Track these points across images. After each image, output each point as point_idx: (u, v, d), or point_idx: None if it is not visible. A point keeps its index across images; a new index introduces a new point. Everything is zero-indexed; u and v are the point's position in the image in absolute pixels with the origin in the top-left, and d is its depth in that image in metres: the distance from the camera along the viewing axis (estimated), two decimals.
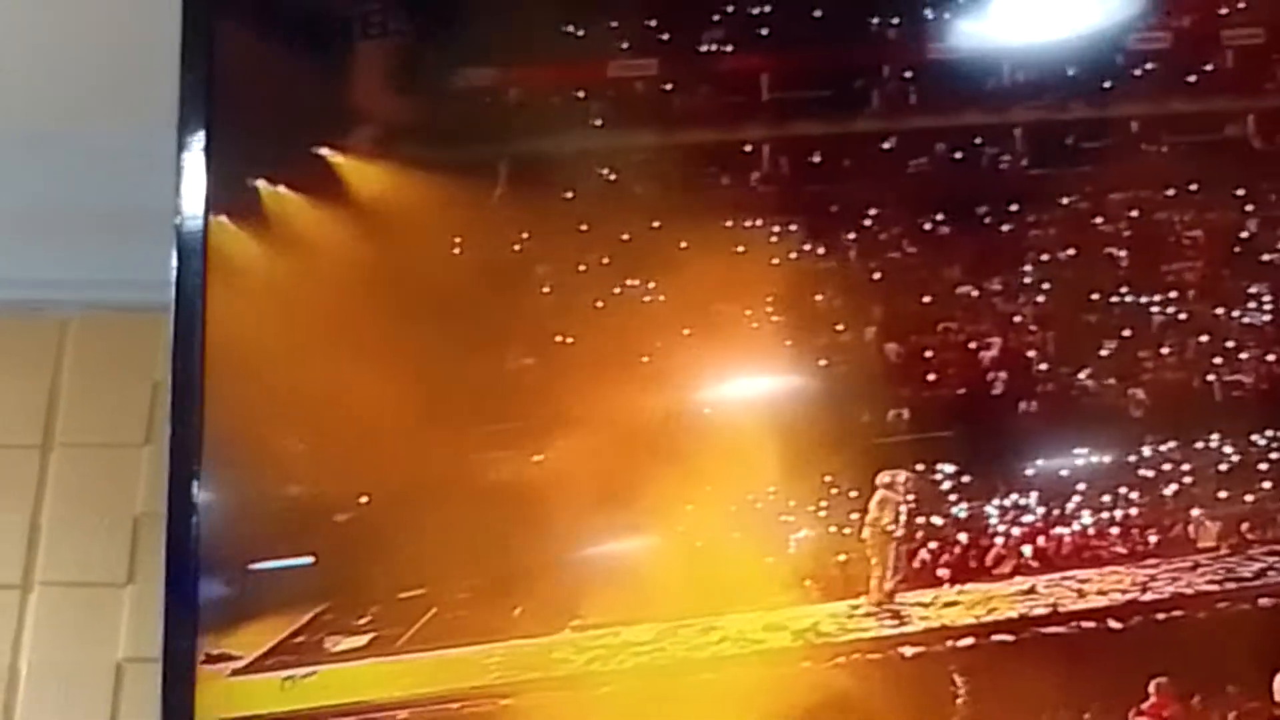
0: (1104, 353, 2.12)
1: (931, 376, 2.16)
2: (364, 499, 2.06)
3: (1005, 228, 2.19)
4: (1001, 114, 2.22)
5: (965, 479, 2.08)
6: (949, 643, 2.00)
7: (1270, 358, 2.07)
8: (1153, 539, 2.02)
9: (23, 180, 2.46)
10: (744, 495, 2.08)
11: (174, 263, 1.90)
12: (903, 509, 2.04)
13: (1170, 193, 2.15)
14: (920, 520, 2.05)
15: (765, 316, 2.18)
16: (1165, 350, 2.11)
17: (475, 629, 2.02)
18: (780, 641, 2.01)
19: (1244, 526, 2.01)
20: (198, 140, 1.95)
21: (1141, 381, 2.10)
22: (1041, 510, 2.05)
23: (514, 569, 2.03)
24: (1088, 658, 1.97)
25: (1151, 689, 1.92)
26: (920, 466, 2.09)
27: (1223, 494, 2.02)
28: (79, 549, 2.40)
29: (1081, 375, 2.12)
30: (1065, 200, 2.18)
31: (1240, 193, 2.13)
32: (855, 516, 2.08)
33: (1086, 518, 2.04)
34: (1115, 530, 2.03)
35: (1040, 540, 2.04)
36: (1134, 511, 2.03)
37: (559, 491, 2.05)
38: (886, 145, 2.23)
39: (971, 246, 2.19)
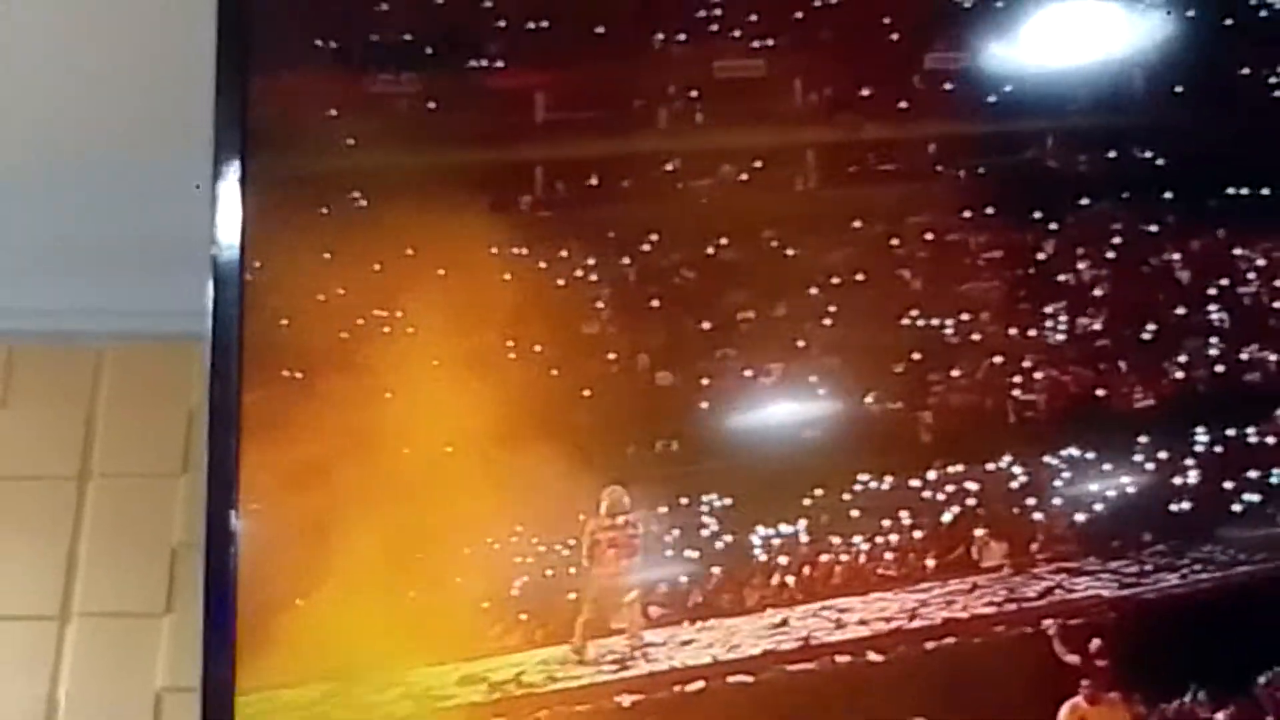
0: (891, 376, 1.93)
1: (705, 405, 1.96)
2: None
3: (791, 252, 2.02)
4: (792, 134, 2.07)
5: (732, 510, 1.87)
6: (675, 688, 1.76)
7: (1065, 378, 1.89)
8: (930, 563, 1.81)
9: (58, 210, 2.45)
10: (482, 537, 1.88)
11: (210, 291, 1.86)
12: (606, 540, 1.82)
13: (966, 215, 1.99)
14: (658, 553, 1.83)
15: (528, 347, 1.98)
16: (956, 372, 1.92)
17: None
18: (471, 696, 1.79)
19: (1033, 546, 1.79)
20: (233, 169, 1.92)
21: (930, 404, 1.91)
22: (808, 539, 1.84)
23: None
24: (838, 697, 1.73)
25: None
26: (684, 500, 1.88)
27: (1013, 511, 1.81)
28: (117, 579, 2.39)
29: (868, 400, 1.93)
30: (858, 223, 2.01)
31: (1037, 215, 1.97)
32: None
33: (859, 544, 1.82)
34: (890, 555, 1.81)
35: (805, 570, 1.82)
36: (914, 535, 1.82)
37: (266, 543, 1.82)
38: (670, 167, 2.07)
39: (756, 271, 2.02)
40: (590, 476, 1.90)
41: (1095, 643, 1.72)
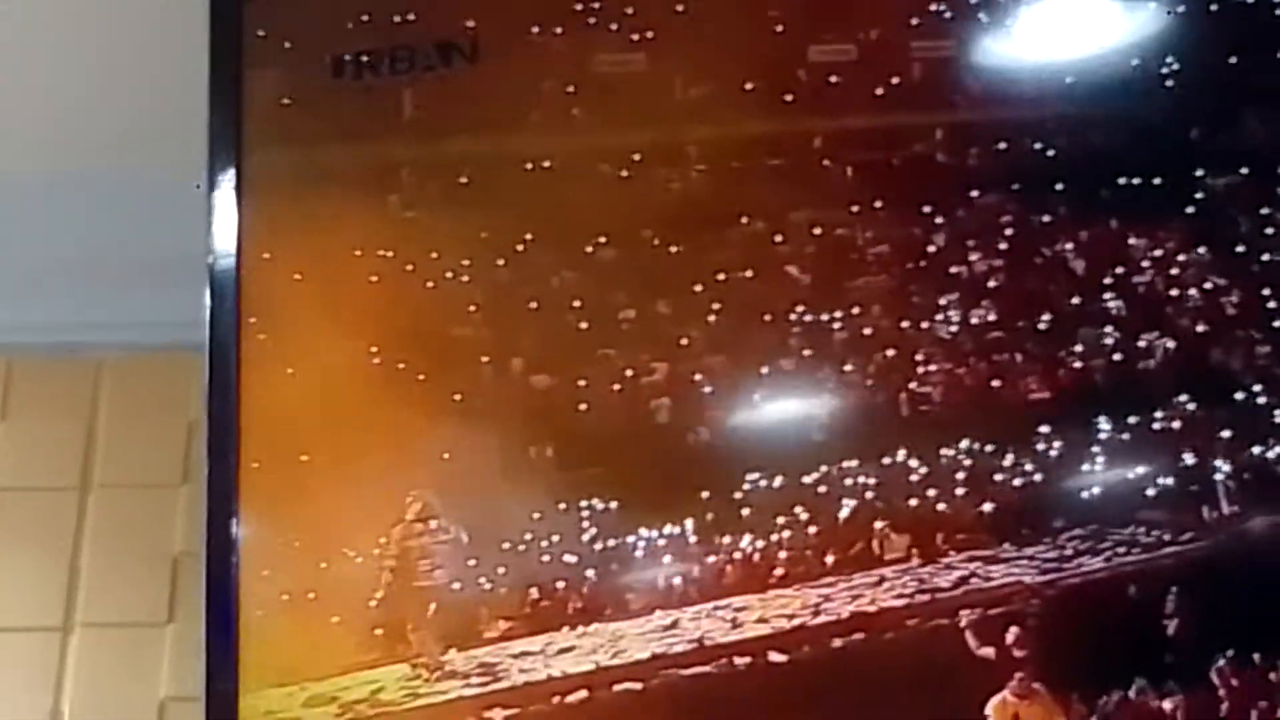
0: (780, 374, 1.84)
1: (584, 407, 1.86)
2: None
3: (673, 249, 1.93)
4: (674, 131, 1.99)
5: (614, 513, 1.77)
6: (555, 699, 1.64)
7: (960, 370, 1.81)
8: (830, 559, 1.71)
9: (57, 224, 2.46)
10: (343, 550, 1.77)
11: (207, 302, 1.87)
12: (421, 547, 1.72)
13: (854, 209, 1.92)
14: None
15: (392, 354, 1.87)
16: (848, 368, 1.83)
17: None
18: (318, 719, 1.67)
19: (938, 537, 1.70)
20: (228, 180, 1.91)
21: (820, 400, 1.82)
22: (696, 540, 1.73)
23: None
24: (740, 700, 1.62)
25: None
26: (562, 505, 1.77)
27: (912, 502, 1.72)
28: (119, 590, 2.40)
29: (755, 398, 1.83)
30: (743, 220, 1.93)
31: (927, 209, 1.90)
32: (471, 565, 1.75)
33: (752, 543, 1.72)
34: (784, 554, 1.71)
35: (694, 571, 1.72)
36: (810, 531, 1.73)
37: None
38: (547, 164, 1.98)
39: (637, 270, 1.93)
40: (454, 488, 1.80)
41: (1013, 632, 1.63)
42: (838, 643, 1.65)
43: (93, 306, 2.50)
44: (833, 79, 1.98)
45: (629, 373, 1.88)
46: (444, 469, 1.84)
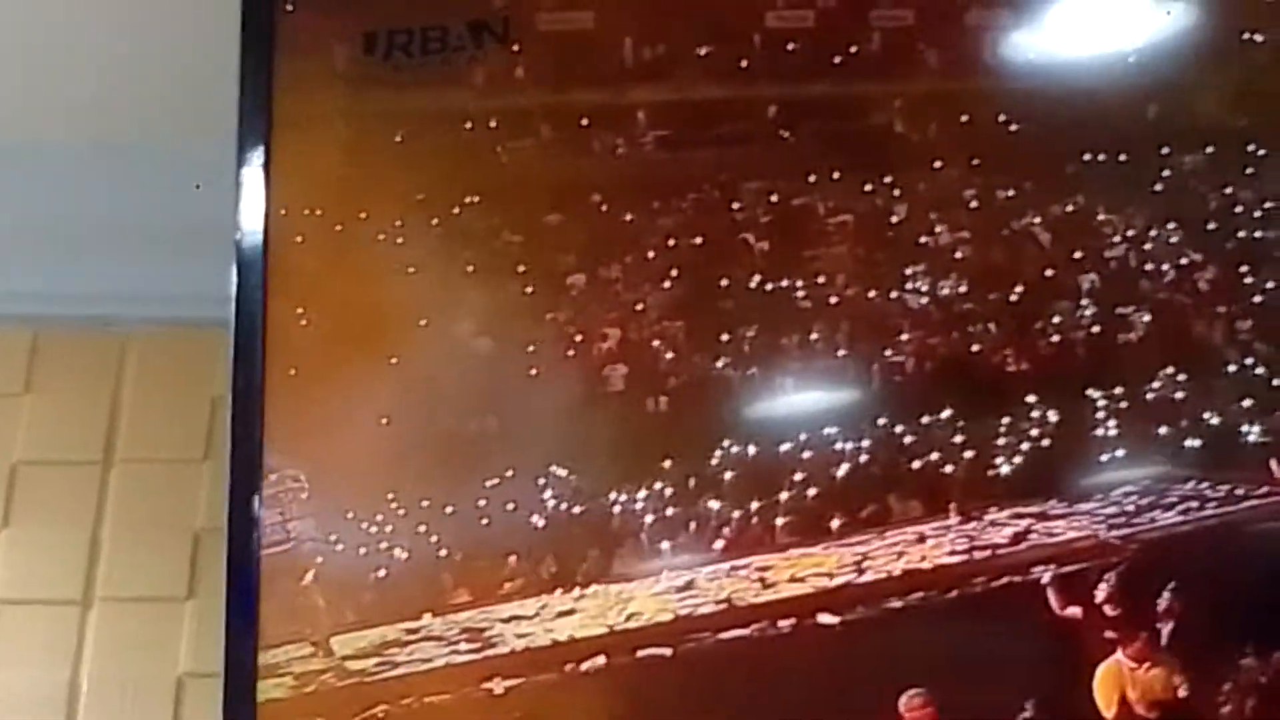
0: (744, 341, 1.76)
1: (534, 372, 1.76)
2: None
3: (626, 216, 1.84)
4: (621, 94, 1.90)
5: (573, 480, 1.67)
6: (569, 666, 1.52)
7: (933, 340, 1.75)
8: (836, 523, 1.62)
9: (84, 195, 2.45)
10: None
11: (234, 277, 1.83)
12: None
13: (811, 179, 1.85)
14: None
15: (321, 320, 1.76)
16: (814, 336, 1.76)
17: None
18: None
19: (951, 503, 1.62)
20: (257, 155, 1.86)
21: (789, 370, 1.74)
22: (676, 508, 1.64)
23: None
24: (787, 666, 1.51)
25: (902, 707, 1.47)
26: (509, 472, 1.67)
27: (915, 466, 1.64)
28: (139, 564, 2.40)
29: (718, 364, 1.75)
30: (700, 186, 1.85)
31: (888, 179, 1.84)
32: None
33: (741, 508, 1.63)
34: (784, 520, 1.62)
35: (692, 526, 1.62)
36: (810, 493, 1.63)
37: None
38: (493, 124, 1.88)
39: (585, 234, 1.84)
40: (391, 458, 1.69)
41: (1103, 589, 1.52)
42: (895, 604, 1.54)
43: (120, 280, 2.49)
44: (790, 46, 1.91)
45: (579, 338, 1.78)
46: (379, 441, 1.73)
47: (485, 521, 1.65)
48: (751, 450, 1.68)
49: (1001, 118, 1.86)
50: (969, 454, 1.65)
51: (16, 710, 2.31)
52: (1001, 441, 1.66)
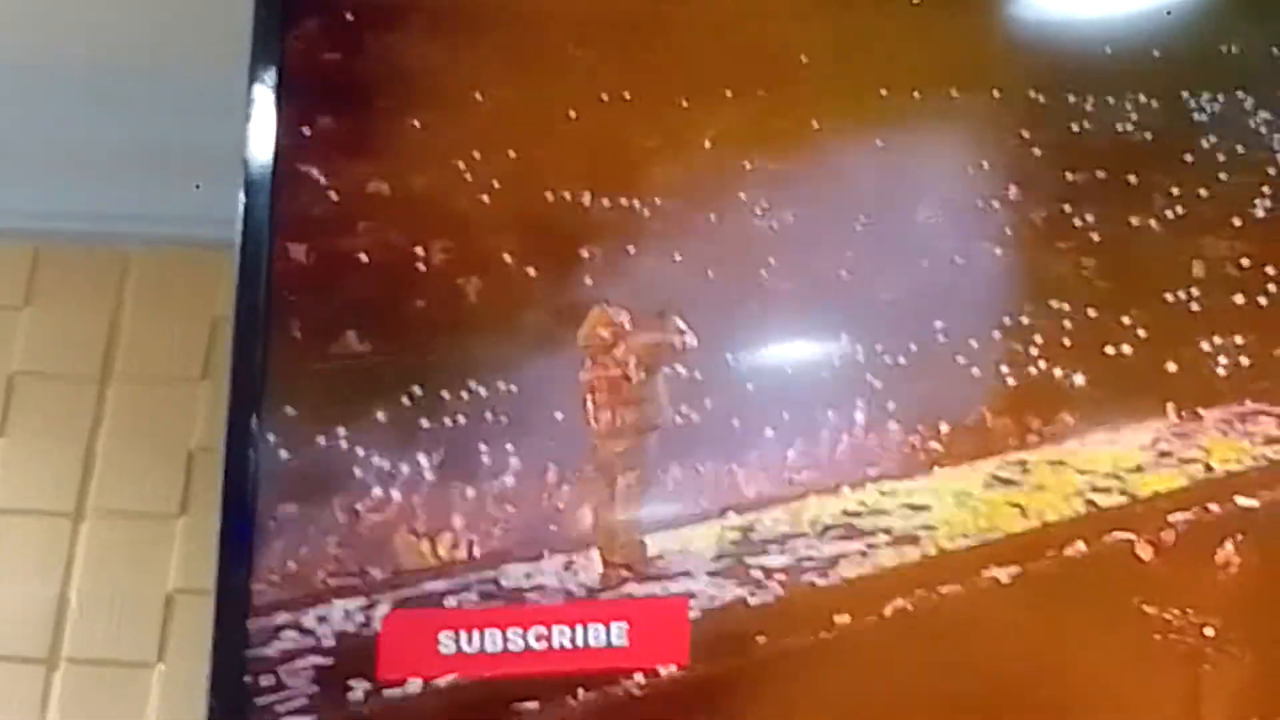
0: None
1: None
2: None
3: None
4: None
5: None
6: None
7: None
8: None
9: (91, 115, 2.44)
10: None
11: (241, 198, 1.84)
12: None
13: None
14: None
15: None
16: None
17: None
18: None
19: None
20: (269, 77, 1.89)
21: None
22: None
23: None
24: None
25: None
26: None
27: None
28: (133, 480, 2.41)
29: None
30: None
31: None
32: None
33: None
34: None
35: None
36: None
37: None
38: None
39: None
40: None
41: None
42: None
43: (123, 198, 2.50)
44: None
45: None
46: None
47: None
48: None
49: None
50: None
51: (4, 621, 2.34)
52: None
